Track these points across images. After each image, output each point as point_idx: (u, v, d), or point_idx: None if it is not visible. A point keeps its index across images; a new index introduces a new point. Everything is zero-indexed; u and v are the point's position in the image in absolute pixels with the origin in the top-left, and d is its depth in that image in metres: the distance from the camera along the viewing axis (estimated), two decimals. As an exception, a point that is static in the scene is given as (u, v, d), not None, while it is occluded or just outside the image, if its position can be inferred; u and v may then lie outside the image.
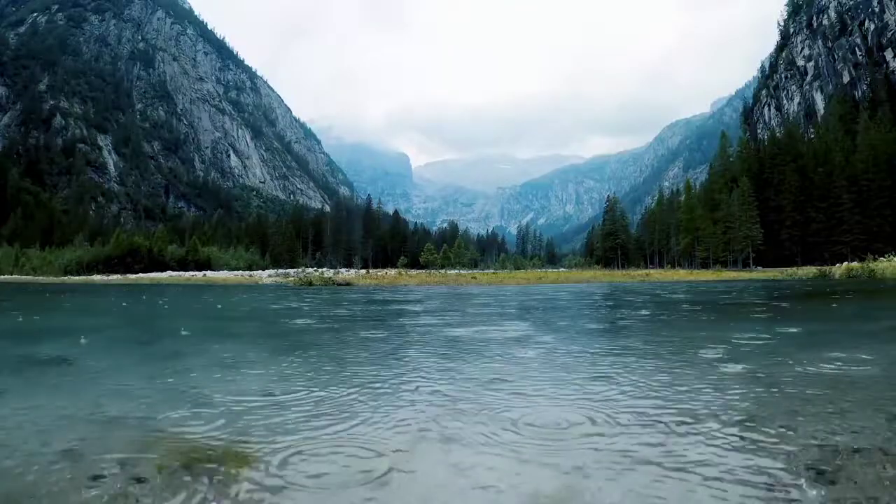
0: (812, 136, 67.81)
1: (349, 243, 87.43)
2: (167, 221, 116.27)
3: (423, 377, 2.88)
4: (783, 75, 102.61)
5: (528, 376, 2.89)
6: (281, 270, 42.96)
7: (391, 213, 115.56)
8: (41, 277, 44.79)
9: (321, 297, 12.82)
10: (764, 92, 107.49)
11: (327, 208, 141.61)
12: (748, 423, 1.90)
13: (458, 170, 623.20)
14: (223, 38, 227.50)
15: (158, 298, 13.55)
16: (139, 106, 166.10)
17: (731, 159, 62.45)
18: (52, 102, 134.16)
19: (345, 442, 1.75)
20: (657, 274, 32.60)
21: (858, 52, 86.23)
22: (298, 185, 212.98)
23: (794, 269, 33.08)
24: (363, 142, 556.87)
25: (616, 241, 72.85)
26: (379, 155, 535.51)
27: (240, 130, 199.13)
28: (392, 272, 36.64)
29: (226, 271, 46.40)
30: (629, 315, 7.35)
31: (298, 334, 5.36)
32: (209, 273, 41.78)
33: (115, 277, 38.64)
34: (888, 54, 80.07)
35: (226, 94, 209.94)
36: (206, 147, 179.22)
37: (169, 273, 42.48)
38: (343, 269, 43.25)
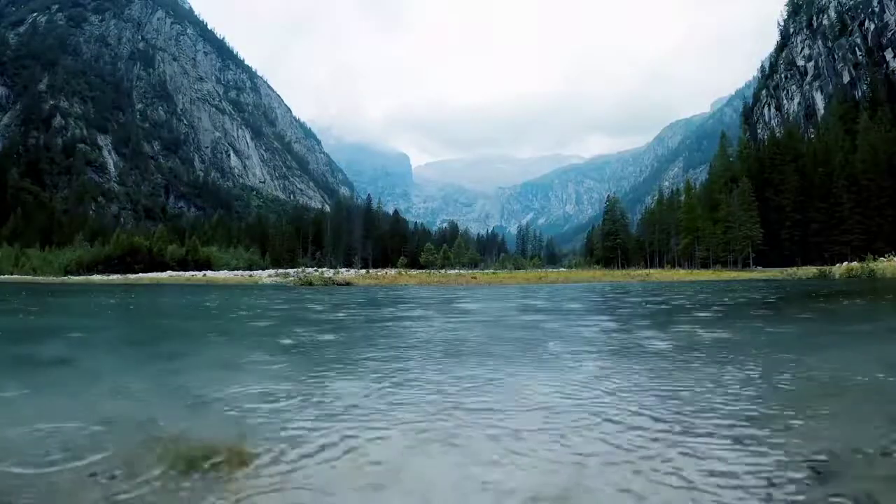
0: (812, 136, 67.78)
1: (349, 243, 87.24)
2: (167, 221, 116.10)
3: (424, 378, 2.88)
4: (783, 75, 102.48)
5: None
6: (281, 270, 42.88)
7: (391, 212, 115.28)
8: (41, 277, 44.74)
9: (321, 297, 12.81)
10: (764, 92, 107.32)
11: (327, 208, 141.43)
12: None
13: (458, 170, 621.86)
14: (223, 38, 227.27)
15: (158, 298, 13.55)
16: (139, 106, 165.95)
17: (731, 159, 62.39)
18: (52, 102, 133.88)
19: (345, 441, 1.74)
20: (657, 274, 32.61)
21: (858, 52, 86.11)
22: (298, 185, 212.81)
23: (794, 269, 33.02)
24: (363, 141, 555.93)
25: (616, 241, 72.78)
26: (379, 155, 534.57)
27: (240, 130, 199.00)
28: (392, 272, 36.69)
29: (226, 271, 46.36)
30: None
31: (298, 334, 5.35)
32: (209, 273, 41.77)
33: (115, 277, 38.61)
34: (888, 54, 79.98)
35: (226, 94, 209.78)
36: (206, 147, 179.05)
37: (169, 273, 42.44)
38: (343, 269, 43.20)
